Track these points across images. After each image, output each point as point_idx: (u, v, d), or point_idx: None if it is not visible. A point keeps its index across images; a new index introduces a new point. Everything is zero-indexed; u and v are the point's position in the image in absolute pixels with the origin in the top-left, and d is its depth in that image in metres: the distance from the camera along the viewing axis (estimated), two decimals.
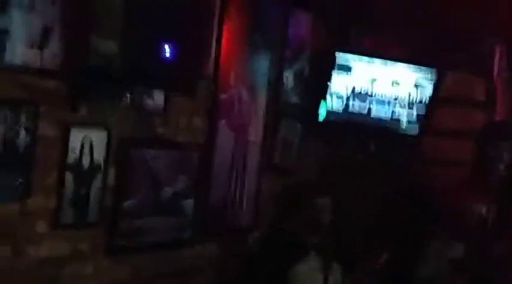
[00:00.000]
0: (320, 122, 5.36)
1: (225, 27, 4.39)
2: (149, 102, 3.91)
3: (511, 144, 4.70)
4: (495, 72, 5.76)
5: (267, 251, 4.62)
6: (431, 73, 5.59)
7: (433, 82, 5.58)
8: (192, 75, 3.85)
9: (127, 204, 3.84)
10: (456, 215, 4.77)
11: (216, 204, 4.55)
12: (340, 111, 5.38)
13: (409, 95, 5.58)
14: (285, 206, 4.82)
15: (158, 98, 3.96)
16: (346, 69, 5.29)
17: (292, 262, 4.47)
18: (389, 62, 5.47)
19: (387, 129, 5.62)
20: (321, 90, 5.29)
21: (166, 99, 3.98)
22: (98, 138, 3.61)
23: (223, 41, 4.39)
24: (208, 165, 4.43)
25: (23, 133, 3.19)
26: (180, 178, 4.22)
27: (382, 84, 5.46)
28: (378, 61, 5.43)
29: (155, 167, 4.02)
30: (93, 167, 3.61)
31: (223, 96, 4.49)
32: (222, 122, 4.52)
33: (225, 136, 4.56)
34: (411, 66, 5.55)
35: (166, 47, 3.54)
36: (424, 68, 5.56)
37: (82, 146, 3.52)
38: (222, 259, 4.61)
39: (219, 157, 4.51)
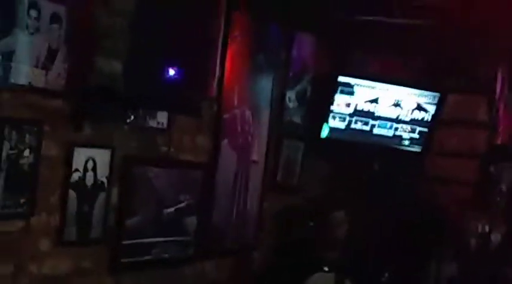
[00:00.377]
0: (323, 141, 5.40)
1: (229, 48, 4.45)
2: (153, 121, 3.97)
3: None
4: (497, 93, 5.80)
5: (279, 266, 4.69)
6: (433, 95, 5.63)
7: (435, 103, 5.63)
8: (195, 96, 3.89)
9: (130, 222, 3.89)
10: (457, 234, 4.81)
11: (218, 222, 4.59)
12: (343, 129, 5.43)
13: (412, 115, 5.62)
14: (300, 220, 4.89)
15: (162, 118, 4.02)
16: (349, 92, 5.33)
17: (305, 275, 4.53)
18: (391, 85, 5.52)
19: (390, 146, 5.66)
20: (322, 113, 5.33)
21: (170, 119, 4.04)
22: (102, 157, 3.66)
23: (227, 62, 4.45)
24: (211, 183, 4.48)
25: (27, 152, 3.24)
26: (183, 196, 4.27)
27: (384, 105, 5.50)
28: (380, 84, 5.47)
29: (158, 185, 4.07)
30: (97, 185, 3.66)
31: (226, 116, 4.54)
32: (225, 141, 4.57)
33: (228, 156, 4.61)
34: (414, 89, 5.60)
35: (170, 68, 3.58)
36: (427, 91, 5.61)
37: (86, 165, 3.57)
38: (223, 277, 4.64)
39: (222, 176, 4.56)
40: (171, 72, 3.55)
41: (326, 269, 4.59)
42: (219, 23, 4.08)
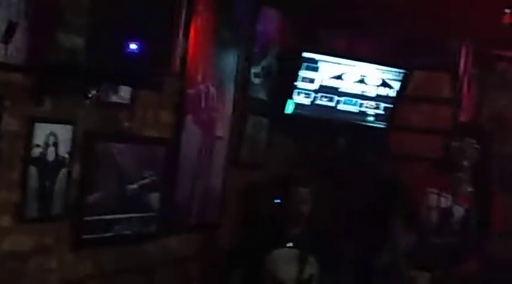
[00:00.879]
0: (287, 117, 5.40)
1: (192, 24, 4.42)
2: (115, 96, 3.93)
3: (475, 142, 4.76)
4: (461, 70, 5.84)
5: (243, 242, 4.72)
6: (399, 72, 5.65)
7: (400, 80, 5.65)
8: (158, 71, 3.85)
9: (92, 198, 3.86)
10: (419, 209, 4.86)
11: (182, 198, 4.57)
12: (307, 106, 5.43)
13: (377, 91, 5.64)
14: (264, 197, 4.89)
15: (124, 93, 3.98)
16: (313, 68, 5.33)
17: (269, 251, 4.55)
18: (356, 62, 5.52)
19: (355, 123, 5.68)
20: (287, 89, 5.32)
21: (133, 94, 4.01)
22: (63, 132, 3.62)
23: (191, 37, 4.42)
24: (175, 159, 4.45)
25: None
26: (146, 172, 4.24)
27: (349, 81, 5.51)
28: (345, 60, 5.47)
29: (121, 161, 4.04)
30: (58, 161, 3.62)
31: (190, 91, 4.51)
32: (189, 117, 4.54)
33: (191, 132, 4.58)
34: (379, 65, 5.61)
35: (133, 42, 3.53)
36: (392, 67, 5.62)
37: (47, 140, 3.52)
38: (187, 253, 4.64)
39: (185, 152, 4.54)
40: (133, 46, 3.49)
41: (290, 245, 4.60)
42: None
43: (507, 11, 4.80)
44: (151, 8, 3.57)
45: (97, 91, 3.70)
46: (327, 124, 5.63)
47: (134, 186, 4.15)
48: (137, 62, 3.57)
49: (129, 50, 3.53)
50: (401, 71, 5.65)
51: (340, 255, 4.88)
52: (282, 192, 4.74)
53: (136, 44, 3.50)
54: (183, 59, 4.34)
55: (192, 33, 4.41)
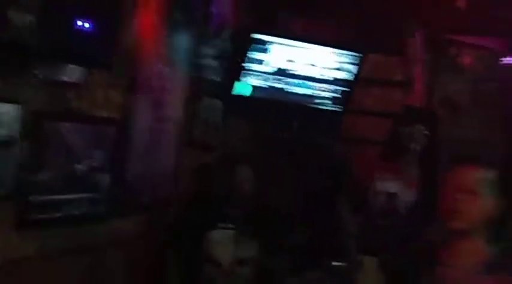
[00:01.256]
0: (242, 100, 5.40)
1: (144, 4, 4.39)
2: (64, 76, 3.89)
3: (424, 128, 4.81)
4: (413, 55, 5.88)
5: (186, 219, 4.66)
6: (354, 55, 5.67)
7: (356, 63, 5.67)
8: (108, 51, 3.83)
9: (39, 177, 3.81)
10: (367, 193, 4.90)
11: (132, 179, 4.55)
12: (262, 88, 5.42)
13: (332, 74, 5.66)
14: (207, 175, 4.85)
15: (74, 72, 3.94)
16: (263, 49, 5.32)
17: (208, 229, 4.51)
18: (311, 45, 5.53)
19: (309, 106, 5.69)
20: (237, 71, 5.31)
21: (82, 74, 3.97)
22: (10, 111, 3.57)
23: (143, 17, 4.39)
24: (125, 140, 4.43)
25: None
26: (96, 152, 4.21)
27: (304, 64, 5.52)
28: (299, 43, 5.47)
29: (70, 141, 4.00)
30: (5, 141, 3.57)
31: (141, 72, 4.48)
32: (140, 98, 4.51)
33: (142, 112, 4.56)
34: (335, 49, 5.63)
35: (83, 21, 3.50)
36: (346, 51, 5.64)
37: None
38: (137, 234, 4.63)
39: (136, 133, 4.51)
40: (84, 25, 3.47)
41: (229, 226, 4.57)
42: None
43: None
44: None
45: (45, 70, 3.66)
46: (282, 107, 5.64)
47: (83, 166, 4.11)
48: (87, 41, 3.56)
49: (79, 29, 3.51)
50: (357, 54, 5.67)
51: (284, 238, 4.87)
52: (225, 171, 4.68)
53: (86, 23, 3.48)
54: (135, 39, 4.31)
55: (144, 14, 4.38)
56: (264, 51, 5.32)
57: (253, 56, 5.30)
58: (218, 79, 5.30)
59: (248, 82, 5.36)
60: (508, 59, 5.83)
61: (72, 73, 3.92)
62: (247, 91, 5.38)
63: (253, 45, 5.26)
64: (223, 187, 4.66)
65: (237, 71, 5.30)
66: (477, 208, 2.79)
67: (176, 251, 4.66)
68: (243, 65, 5.28)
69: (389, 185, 4.86)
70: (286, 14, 5.80)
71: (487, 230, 2.82)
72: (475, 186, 2.77)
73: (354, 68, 5.69)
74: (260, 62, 5.34)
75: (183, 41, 4.88)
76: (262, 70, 5.38)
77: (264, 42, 5.30)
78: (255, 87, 5.40)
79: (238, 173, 4.60)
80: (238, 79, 5.30)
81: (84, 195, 4.17)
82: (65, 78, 3.89)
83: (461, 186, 2.79)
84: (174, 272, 4.64)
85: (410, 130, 4.80)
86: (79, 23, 3.47)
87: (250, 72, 5.35)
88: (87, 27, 3.57)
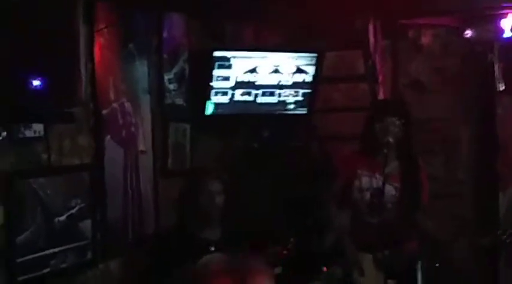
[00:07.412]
0: (209, 119, 5.36)
1: (96, 43, 4.34)
2: (29, 131, 3.84)
3: (396, 119, 4.81)
4: (371, 45, 5.88)
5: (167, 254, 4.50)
6: (311, 56, 5.66)
7: (314, 64, 5.66)
8: (66, 102, 3.79)
9: (21, 238, 3.78)
10: (349, 189, 4.91)
11: (114, 220, 4.51)
12: (226, 104, 5.39)
13: (292, 79, 5.64)
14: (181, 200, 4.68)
15: (37, 126, 3.89)
16: (226, 66, 5.29)
17: (195, 259, 4.35)
18: (268, 53, 5.52)
19: (276, 113, 5.68)
20: (204, 90, 5.28)
21: (46, 126, 3.92)
22: None
23: (96, 57, 4.34)
24: (100, 183, 4.39)
25: None
26: (73, 201, 4.17)
27: (264, 73, 5.50)
28: (257, 53, 5.46)
29: (45, 196, 3.96)
30: None
31: (105, 112, 4.44)
32: (108, 138, 4.47)
33: (113, 151, 4.51)
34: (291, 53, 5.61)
35: (35, 78, 3.46)
36: (303, 53, 5.63)
37: None
38: (129, 273, 4.58)
39: (110, 174, 4.47)
40: (36, 82, 3.43)
41: (212, 248, 4.29)
42: (77, 22, 3.95)
43: None
44: (48, 40, 3.50)
45: (7, 131, 3.62)
46: (249, 119, 5.62)
47: (63, 218, 4.08)
48: (42, 97, 3.52)
49: (32, 87, 3.47)
50: (313, 54, 5.66)
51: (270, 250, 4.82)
52: (196, 189, 4.55)
53: (38, 80, 3.44)
54: (92, 81, 4.27)
55: (97, 54, 4.33)
56: (227, 67, 5.28)
57: (216, 74, 5.26)
58: (182, 103, 5.25)
59: (214, 101, 5.31)
60: (465, 32, 5.84)
61: (36, 128, 3.87)
62: (213, 110, 5.33)
63: (217, 62, 5.22)
64: (199, 212, 4.51)
65: (205, 91, 5.25)
66: None
67: None
68: (211, 84, 5.24)
69: (372, 181, 4.85)
70: (236, 25, 5.77)
71: None
72: None
73: (313, 69, 5.67)
74: (224, 78, 5.30)
75: (140, 71, 4.82)
76: (226, 86, 5.34)
77: (226, 59, 5.26)
78: (220, 104, 5.36)
79: (209, 188, 4.45)
80: (209, 99, 5.26)
81: (69, 246, 4.13)
82: (31, 134, 3.85)
83: None
84: None
85: (383, 125, 4.78)
86: (32, 81, 3.43)
87: (216, 90, 5.30)
88: (41, 84, 3.53)
